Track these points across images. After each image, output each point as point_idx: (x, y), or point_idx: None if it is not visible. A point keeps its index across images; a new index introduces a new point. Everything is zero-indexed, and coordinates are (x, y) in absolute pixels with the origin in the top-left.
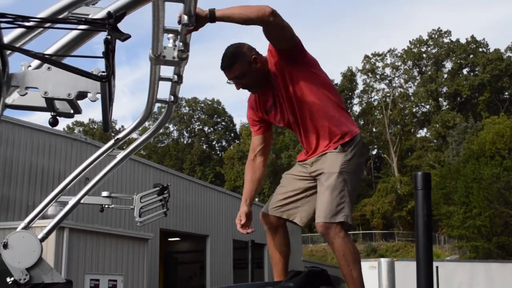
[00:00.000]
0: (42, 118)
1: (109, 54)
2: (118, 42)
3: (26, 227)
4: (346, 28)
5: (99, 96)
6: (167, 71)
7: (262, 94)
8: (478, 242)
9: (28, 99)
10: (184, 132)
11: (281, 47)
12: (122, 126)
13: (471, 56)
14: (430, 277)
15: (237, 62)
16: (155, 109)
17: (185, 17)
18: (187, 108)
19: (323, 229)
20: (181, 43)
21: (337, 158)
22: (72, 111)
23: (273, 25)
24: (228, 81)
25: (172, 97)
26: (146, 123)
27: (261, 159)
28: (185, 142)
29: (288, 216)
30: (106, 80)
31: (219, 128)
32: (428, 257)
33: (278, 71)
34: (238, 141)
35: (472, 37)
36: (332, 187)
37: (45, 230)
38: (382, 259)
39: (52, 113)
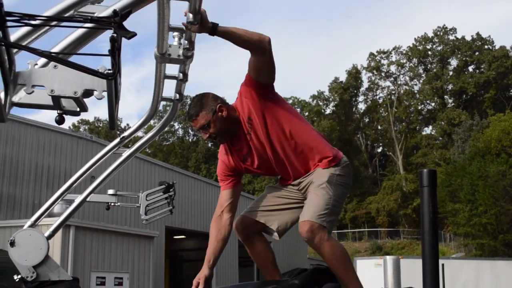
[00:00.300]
0: (47, 117)
1: (115, 52)
2: (123, 40)
3: (32, 225)
4: (351, 26)
5: (105, 94)
6: (172, 69)
7: (234, 145)
8: (484, 240)
9: (35, 97)
10: (189, 130)
11: (262, 79)
12: (127, 125)
13: (477, 53)
14: (436, 274)
15: (202, 111)
16: (160, 108)
17: (190, 15)
18: None
19: (307, 229)
20: (186, 41)
21: (326, 171)
22: (78, 109)
23: (267, 54)
24: (196, 131)
25: (177, 95)
26: (151, 122)
27: (228, 216)
28: (190, 140)
29: (266, 221)
30: (112, 78)
31: None
32: (434, 254)
33: (254, 113)
34: None
35: (478, 34)
36: (321, 193)
37: (52, 228)
38: (388, 257)
39: (58, 111)
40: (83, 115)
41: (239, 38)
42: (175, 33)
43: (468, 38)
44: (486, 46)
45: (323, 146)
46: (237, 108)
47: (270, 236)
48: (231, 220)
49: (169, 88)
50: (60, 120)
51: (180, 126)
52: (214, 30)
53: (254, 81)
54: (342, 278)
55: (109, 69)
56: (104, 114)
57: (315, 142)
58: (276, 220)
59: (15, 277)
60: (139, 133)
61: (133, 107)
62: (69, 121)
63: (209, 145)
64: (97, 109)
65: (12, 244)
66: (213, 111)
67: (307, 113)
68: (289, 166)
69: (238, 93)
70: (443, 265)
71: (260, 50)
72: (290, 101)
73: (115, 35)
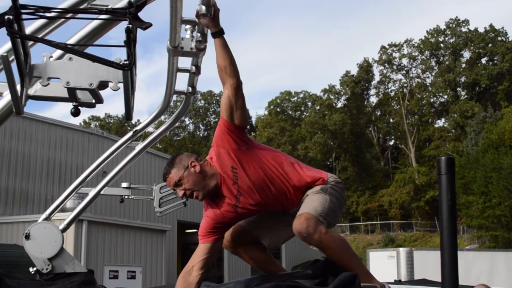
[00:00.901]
0: (59, 113)
1: (130, 42)
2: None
3: (47, 219)
4: (362, 19)
5: (120, 85)
6: (185, 62)
7: (220, 198)
8: (497, 232)
9: (50, 90)
10: (200, 125)
11: (236, 121)
12: (138, 120)
13: (490, 45)
14: (455, 261)
15: (173, 169)
16: (171, 103)
17: (203, 7)
18: (202, 101)
19: (306, 225)
20: (199, 34)
21: (318, 186)
22: (94, 101)
23: (240, 92)
24: (172, 190)
25: (190, 88)
26: (162, 117)
27: (197, 274)
28: (201, 135)
29: (258, 235)
30: (129, 69)
31: None
32: (453, 241)
33: (236, 161)
34: (254, 133)
35: (491, 25)
36: (316, 197)
37: (66, 221)
38: (401, 249)
39: (74, 103)
40: (94, 111)
41: (229, 58)
42: (188, 26)
43: (481, 30)
44: (499, 38)
45: (310, 173)
46: (213, 162)
47: None
48: (199, 279)
49: (181, 82)
50: (75, 112)
51: (191, 121)
52: (220, 33)
53: (227, 123)
54: (348, 267)
55: (125, 60)
56: (114, 110)
57: (301, 173)
58: (268, 236)
59: (31, 269)
60: (150, 129)
61: (144, 104)
62: (80, 118)
63: None
64: (107, 105)
65: (28, 237)
66: (184, 167)
67: (318, 107)
68: (283, 202)
69: (212, 145)
70: None
71: (235, 83)
72: (301, 95)
73: (130, 26)
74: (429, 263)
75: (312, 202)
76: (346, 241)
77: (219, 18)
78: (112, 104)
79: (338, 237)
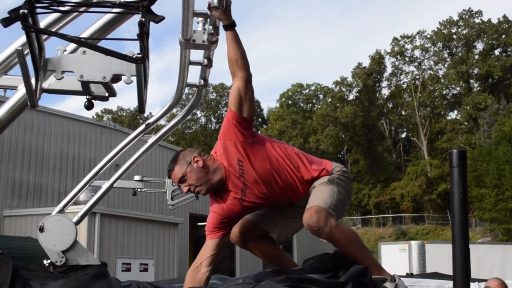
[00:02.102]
0: (71, 107)
1: (143, 36)
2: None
3: (61, 211)
4: (374, 10)
5: (133, 78)
6: (196, 55)
7: (225, 192)
8: (510, 225)
9: (64, 83)
10: (212, 118)
11: (244, 113)
12: (150, 113)
13: (503, 36)
14: (467, 254)
15: (176, 165)
16: (183, 96)
17: (215, 0)
18: (214, 94)
19: (316, 218)
20: (210, 27)
21: (325, 176)
22: (107, 94)
23: (250, 85)
24: (176, 187)
25: (202, 81)
26: (174, 110)
27: (206, 270)
28: (212, 127)
29: (268, 228)
30: (142, 62)
31: None
32: (465, 234)
33: (243, 153)
34: (265, 126)
35: (504, 16)
36: (324, 189)
37: (80, 214)
38: (413, 242)
39: (87, 97)
40: (106, 105)
41: (241, 51)
42: (200, 19)
43: (494, 21)
44: None
45: (316, 164)
46: (216, 156)
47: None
48: (208, 275)
49: (193, 75)
50: (89, 105)
51: (203, 114)
52: (231, 25)
53: (236, 115)
54: (359, 260)
55: (138, 54)
56: (126, 103)
57: (307, 164)
58: (277, 229)
59: (45, 261)
60: (162, 122)
61: (156, 97)
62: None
63: None
64: (119, 98)
65: (42, 229)
66: (187, 163)
67: (330, 99)
68: (290, 195)
69: (218, 138)
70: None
71: (245, 76)
72: (313, 88)
73: (143, 19)
74: (441, 256)
75: (321, 194)
76: (357, 234)
77: (231, 10)
78: (124, 97)
79: (349, 230)
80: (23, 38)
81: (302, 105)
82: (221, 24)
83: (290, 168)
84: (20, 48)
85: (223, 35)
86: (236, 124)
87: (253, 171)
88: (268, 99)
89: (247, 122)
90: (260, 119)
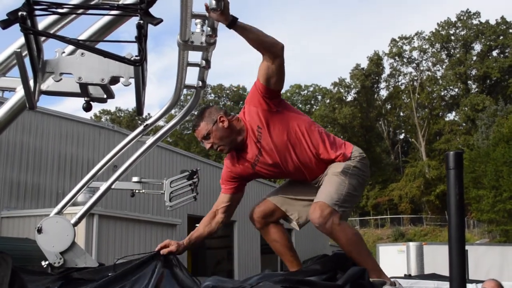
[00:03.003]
0: (70, 108)
1: (141, 38)
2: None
3: (59, 213)
4: (372, 11)
5: (131, 80)
6: (195, 56)
7: (242, 153)
8: (508, 226)
9: (63, 85)
10: None
11: (271, 85)
12: (149, 114)
13: (501, 37)
14: (462, 257)
15: (202, 122)
16: (181, 97)
17: (213, 2)
18: (212, 95)
19: (320, 214)
20: (209, 28)
21: (341, 163)
22: (105, 96)
23: (278, 60)
24: (201, 142)
25: (200, 82)
26: (172, 111)
27: (222, 215)
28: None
29: (287, 210)
30: (140, 64)
31: None
32: (461, 236)
33: (264, 121)
34: None
35: (502, 18)
36: (335, 181)
37: (78, 215)
38: (411, 243)
39: (86, 98)
40: (104, 105)
41: (256, 38)
42: (198, 20)
43: (492, 22)
44: (510, 30)
45: (336, 146)
46: (243, 118)
47: (289, 223)
48: (223, 220)
49: (191, 76)
50: (87, 107)
51: None
52: (233, 22)
53: (263, 86)
54: (357, 261)
55: (136, 56)
56: (125, 104)
57: (327, 144)
58: (297, 211)
59: (43, 263)
60: (160, 123)
61: (154, 97)
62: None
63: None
64: (118, 99)
65: (40, 231)
66: (213, 122)
67: (328, 100)
68: (304, 171)
69: (245, 102)
70: (466, 251)
71: (273, 54)
72: (311, 89)
73: (141, 21)
74: (439, 258)
75: (330, 187)
76: (360, 236)
77: (229, 10)
78: (122, 98)
79: (351, 231)
80: (21, 40)
81: (300, 106)
82: (219, 26)
83: (308, 144)
84: (19, 50)
85: (221, 36)
86: (261, 94)
87: (269, 139)
88: None
89: (274, 93)
90: None
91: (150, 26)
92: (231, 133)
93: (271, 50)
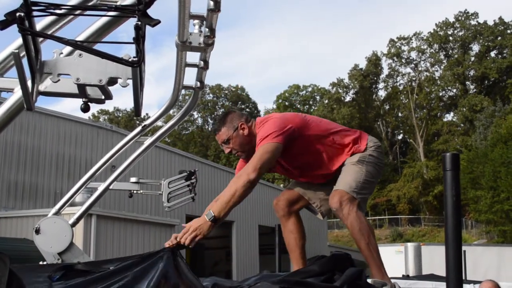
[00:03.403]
0: (68, 108)
1: (139, 39)
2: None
3: (57, 213)
4: (371, 12)
5: (129, 81)
6: (193, 57)
7: None
8: (506, 227)
9: (60, 86)
10: (209, 119)
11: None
12: (147, 114)
13: (499, 38)
14: (459, 258)
15: (224, 127)
16: (179, 98)
17: (211, 3)
18: (211, 95)
19: (338, 199)
20: (207, 29)
21: (357, 155)
22: (103, 97)
23: (256, 181)
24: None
25: (199, 83)
26: (171, 111)
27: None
28: (209, 129)
29: (310, 198)
30: (138, 65)
31: None
32: (458, 238)
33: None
34: None
35: (500, 18)
36: (353, 169)
37: (76, 215)
38: (409, 244)
39: (83, 99)
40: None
41: (238, 202)
42: (196, 21)
43: (490, 22)
44: (508, 31)
45: (350, 147)
46: (263, 126)
47: (315, 215)
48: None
49: (189, 77)
50: (85, 108)
51: (199, 115)
52: (215, 221)
53: None
54: (364, 253)
55: (134, 57)
56: (123, 104)
57: (343, 153)
58: (318, 199)
59: (41, 263)
60: (158, 123)
61: (153, 97)
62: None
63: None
64: (116, 100)
65: (38, 231)
66: (234, 128)
67: (326, 101)
68: (319, 176)
69: (267, 115)
70: (464, 251)
71: (252, 187)
72: (310, 89)
73: (139, 23)
74: (437, 258)
75: (348, 176)
76: (370, 227)
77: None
78: (121, 98)
79: (365, 221)
80: (19, 41)
81: (299, 106)
82: (217, 27)
83: (323, 160)
84: (17, 50)
85: (219, 37)
86: None
87: (284, 162)
88: (264, 100)
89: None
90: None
91: (148, 27)
92: (250, 141)
93: (249, 190)
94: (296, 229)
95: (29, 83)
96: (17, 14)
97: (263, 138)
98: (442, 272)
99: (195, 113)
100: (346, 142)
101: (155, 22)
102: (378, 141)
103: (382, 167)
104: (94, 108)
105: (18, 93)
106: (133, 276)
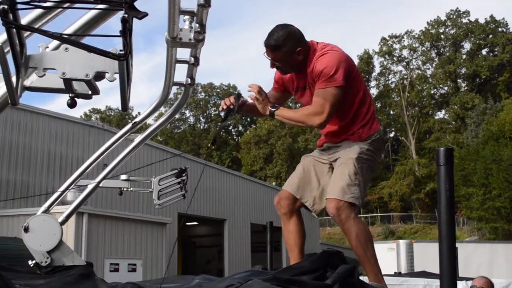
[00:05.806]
0: (60, 106)
1: (126, 32)
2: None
3: (46, 211)
4: (363, 10)
5: (116, 76)
6: (183, 53)
7: (297, 74)
8: (497, 224)
9: (46, 81)
10: (201, 118)
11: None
12: (139, 113)
13: (490, 36)
14: (453, 253)
15: (283, 48)
16: (171, 96)
17: None
18: (203, 93)
19: (334, 205)
20: (197, 25)
21: (355, 146)
22: (90, 92)
23: (320, 125)
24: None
25: (189, 80)
26: (162, 109)
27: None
28: (201, 127)
29: (301, 197)
30: (124, 59)
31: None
32: (451, 233)
33: (317, 80)
34: (254, 126)
35: (491, 16)
36: (347, 169)
37: (65, 213)
38: (401, 241)
39: (70, 95)
40: (94, 104)
41: (296, 122)
42: (186, 17)
43: (482, 21)
44: (499, 29)
45: (360, 119)
46: (311, 60)
47: (310, 213)
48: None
49: (180, 74)
50: (72, 104)
51: (191, 113)
52: (271, 114)
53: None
54: (362, 259)
55: (120, 50)
56: (115, 103)
57: (353, 113)
58: (310, 197)
59: (30, 262)
60: (150, 121)
61: (146, 96)
62: (81, 110)
63: (221, 132)
64: (108, 98)
65: (26, 230)
66: (291, 52)
67: None
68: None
69: (323, 47)
70: (456, 248)
71: (309, 126)
72: None
73: (126, 15)
74: (429, 255)
75: (342, 182)
76: (368, 232)
77: (266, 104)
78: (112, 97)
79: (361, 226)
80: (3, 35)
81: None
82: (208, 23)
83: (347, 111)
84: (0, 44)
85: (210, 33)
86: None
87: (311, 80)
88: None
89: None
90: (248, 119)
91: (140, 23)
92: (298, 66)
93: (307, 125)
94: (297, 229)
95: (13, 78)
96: (1, 6)
97: (329, 76)
98: (434, 269)
99: (187, 111)
100: (363, 118)
101: (142, 15)
102: (381, 131)
103: (377, 162)
104: (86, 106)
105: (2, 88)
106: None
